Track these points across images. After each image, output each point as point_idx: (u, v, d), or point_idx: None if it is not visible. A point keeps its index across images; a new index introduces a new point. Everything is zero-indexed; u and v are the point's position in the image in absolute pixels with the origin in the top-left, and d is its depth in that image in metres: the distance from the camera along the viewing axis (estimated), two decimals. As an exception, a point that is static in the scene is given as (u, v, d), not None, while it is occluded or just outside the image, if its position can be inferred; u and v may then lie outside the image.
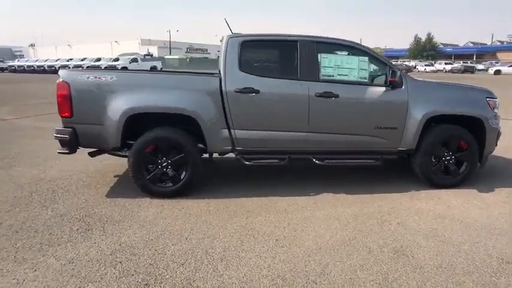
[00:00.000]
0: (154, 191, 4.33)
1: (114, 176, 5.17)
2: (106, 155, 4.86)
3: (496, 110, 4.76)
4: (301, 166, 5.53)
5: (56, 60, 43.67)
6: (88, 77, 4.18)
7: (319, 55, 4.43)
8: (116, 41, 75.27)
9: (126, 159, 4.34)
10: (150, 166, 4.37)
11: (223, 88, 4.28)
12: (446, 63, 50.13)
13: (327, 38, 4.55)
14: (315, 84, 4.38)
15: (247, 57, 4.40)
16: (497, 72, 40.80)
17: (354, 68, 4.50)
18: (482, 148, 4.70)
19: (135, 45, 69.89)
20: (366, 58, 4.53)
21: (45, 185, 4.79)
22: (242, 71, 4.33)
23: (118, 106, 4.14)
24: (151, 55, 60.88)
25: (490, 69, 44.02)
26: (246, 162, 4.43)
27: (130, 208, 4.07)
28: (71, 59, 42.12)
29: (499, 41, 77.13)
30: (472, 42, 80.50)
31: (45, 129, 8.52)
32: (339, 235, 3.48)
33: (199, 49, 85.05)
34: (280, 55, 4.73)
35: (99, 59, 39.47)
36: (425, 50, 69.28)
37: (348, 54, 4.59)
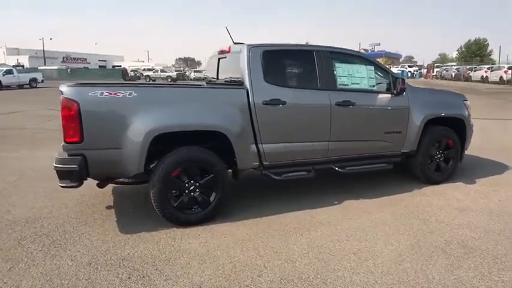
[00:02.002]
0: (183, 220, 3.82)
1: (107, 208, 4.41)
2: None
3: (470, 111, 5.46)
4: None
5: None
6: (102, 93, 3.49)
7: (334, 64, 4.50)
8: (-29, 50, 64.21)
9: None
10: (173, 192, 3.86)
11: (250, 100, 4.02)
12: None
13: (338, 48, 4.65)
14: (334, 93, 4.42)
15: (269, 68, 4.21)
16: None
17: (364, 76, 4.68)
18: (463, 144, 5.34)
19: (-2, 54, 60.77)
20: (372, 67, 4.76)
21: (27, 228, 3.83)
22: (267, 81, 4.14)
23: (141, 125, 3.56)
24: (23, 66, 53.56)
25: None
26: (276, 177, 4.23)
27: (165, 242, 3.51)
28: None
29: (363, 49, 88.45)
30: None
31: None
32: (402, 239, 3.56)
33: (78, 58, 78.08)
34: (299, 65, 4.64)
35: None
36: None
37: (355, 63, 4.74)
